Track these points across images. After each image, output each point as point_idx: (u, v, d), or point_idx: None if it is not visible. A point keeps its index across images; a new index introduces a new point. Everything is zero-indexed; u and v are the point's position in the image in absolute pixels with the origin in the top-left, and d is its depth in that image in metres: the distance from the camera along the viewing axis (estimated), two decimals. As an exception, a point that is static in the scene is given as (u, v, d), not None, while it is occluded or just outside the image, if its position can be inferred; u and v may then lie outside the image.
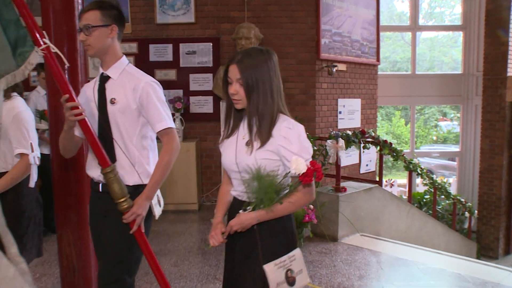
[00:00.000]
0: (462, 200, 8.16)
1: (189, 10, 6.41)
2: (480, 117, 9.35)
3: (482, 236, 9.25)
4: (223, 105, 5.93)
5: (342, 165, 6.80)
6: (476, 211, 9.18)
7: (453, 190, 10.43)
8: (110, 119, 2.28)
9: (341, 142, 4.95)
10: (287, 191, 1.88)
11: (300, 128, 1.90)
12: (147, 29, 6.44)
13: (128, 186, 2.25)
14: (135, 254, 2.34)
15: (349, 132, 5.31)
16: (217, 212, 2.09)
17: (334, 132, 5.04)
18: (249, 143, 1.90)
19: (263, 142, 1.86)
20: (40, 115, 4.78)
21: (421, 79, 10.88)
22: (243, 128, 1.96)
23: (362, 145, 5.50)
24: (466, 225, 8.94)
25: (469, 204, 8.49)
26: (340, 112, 7.01)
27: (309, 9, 6.45)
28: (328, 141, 4.99)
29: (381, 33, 7.91)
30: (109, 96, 2.30)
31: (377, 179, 6.70)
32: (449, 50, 18.52)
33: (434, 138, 19.27)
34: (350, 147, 5.29)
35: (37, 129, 4.09)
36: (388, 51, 17.89)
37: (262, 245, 1.88)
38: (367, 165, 7.55)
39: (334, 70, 6.60)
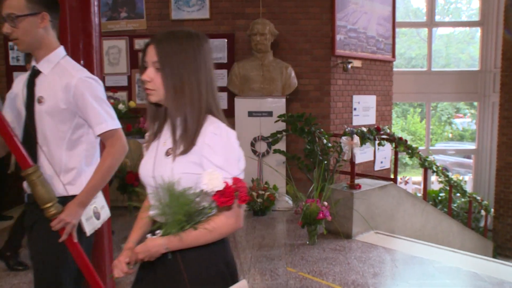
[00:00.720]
0: (478, 198, 8.06)
1: (204, 6, 6.40)
2: (497, 114, 9.22)
3: (498, 234, 9.12)
4: (238, 102, 5.92)
5: (356, 162, 6.76)
6: (492, 209, 9.06)
7: (468, 188, 10.31)
8: (36, 121, 1.97)
9: (356, 139, 4.90)
10: (211, 214, 1.50)
11: (230, 134, 1.51)
12: (162, 25, 6.45)
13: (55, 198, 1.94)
14: (69, 270, 2.00)
15: (364, 129, 5.26)
16: (131, 234, 1.70)
17: (349, 129, 5.00)
18: (169, 152, 1.52)
19: (185, 151, 1.49)
20: None
21: (437, 75, 10.74)
22: (166, 131, 1.58)
23: (377, 142, 5.45)
24: (482, 224, 8.82)
25: (485, 202, 8.38)
26: (355, 109, 6.95)
27: (324, 5, 6.40)
28: (343, 138, 4.95)
29: (397, 30, 7.83)
30: (37, 93, 1.98)
31: (392, 176, 6.64)
32: (466, 47, 18.28)
33: (450, 135, 19.05)
34: (365, 144, 5.24)
35: None
36: (403, 48, 17.71)
37: (189, 278, 1.49)
38: (381, 162, 7.49)
39: (349, 66, 6.55)
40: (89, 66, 3.22)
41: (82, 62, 3.20)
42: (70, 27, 3.20)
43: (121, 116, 4.69)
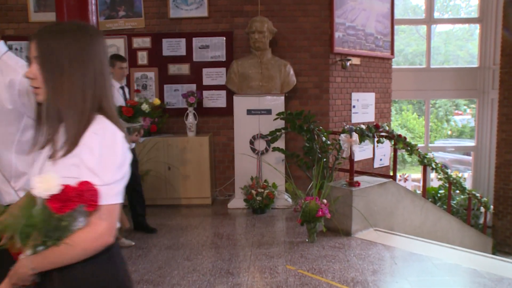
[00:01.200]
0: (477, 195, 8.06)
1: (202, 4, 6.39)
2: (497, 111, 9.22)
3: (497, 231, 9.14)
4: (236, 100, 5.91)
5: (355, 159, 6.76)
6: (491, 206, 9.07)
7: (468, 185, 10.31)
8: None
9: (355, 136, 4.90)
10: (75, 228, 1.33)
11: (116, 136, 1.37)
12: (160, 24, 6.44)
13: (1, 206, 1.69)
14: None
15: (363, 126, 5.26)
16: None
17: (347, 126, 5.00)
18: (52, 156, 1.38)
19: (65, 153, 1.34)
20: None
21: (436, 73, 10.74)
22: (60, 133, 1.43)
23: (376, 139, 5.44)
24: (481, 220, 8.83)
25: (485, 199, 8.38)
26: (354, 106, 6.95)
27: (323, 3, 6.38)
28: (342, 135, 4.94)
29: (395, 27, 7.82)
30: None
31: (391, 173, 6.64)
32: (464, 44, 18.27)
33: (449, 132, 19.06)
34: (364, 141, 5.23)
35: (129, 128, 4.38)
36: (402, 45, 17.70)
37: None
38: (381, 159, 7.49)
39: (348, 64, 6.54)
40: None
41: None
42: (68, 26, 3.21)
43: (146, 115, 4.58)
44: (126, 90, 4.98)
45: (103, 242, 1.35)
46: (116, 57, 4.77)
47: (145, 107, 4.49)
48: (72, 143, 1.33)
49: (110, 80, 1.50)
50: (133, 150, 5.14)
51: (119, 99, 4.65)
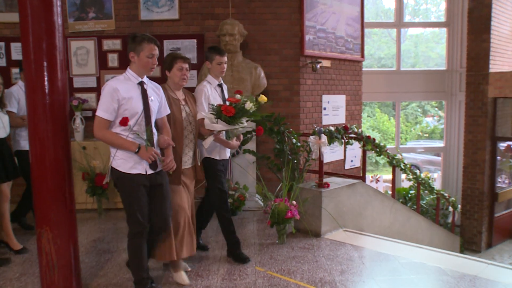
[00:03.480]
0: (446, 194, 8.25)
1: (173, 7, 6.38)
2: (464, 113, 9.46)
3: (465, 230, 9.39)
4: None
5: (326, 161, 6.83)
6: (459, 206, 9.31)
7: (438, 185, 10.55)
8: None
9: (324, 138, 4.95)
10: None
11: None
12: (130, 26, 6.39)
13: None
14: None
15: (332, 128, 5.32)
16: None
17: (317, 128, 5.06)
18: None
19: None
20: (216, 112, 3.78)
21: (406, 75, 10.96)
22: None
23: (345, 141, 5.52)
24: (449, 220, 9.05)
25: (453, 198, 8.59)
26: (324, 108, 7.03)
27: (293, 5, 6.45)
28: (311, 137, 5.00)
29: (368, 30, 7.95)
30: None
31: (361, 174, 6.74)
32: (435, 47, 18.66)
33: (420, 133, 19.43)
34: (333, 143, 5.30)
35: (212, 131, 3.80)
36: (374, 48, 17.99)
37: None
38: (352, 161, 7.59)
39: (318, 66, 6.61)
40: (52, 67, 3.19)
41: (45, 63, 3.17)
42: (32, 28, 3.16)
43: (251, 115, 3.79)
44: (225, 88, 4.26)
45: None
46: (215, 50, 4.05)
47: (249, 105, 3.75)
48: None
49: None
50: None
51: (216, 100, 4.04)
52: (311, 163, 5.57)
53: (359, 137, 5.73)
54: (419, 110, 19.69)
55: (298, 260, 4.20)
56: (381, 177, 10.46)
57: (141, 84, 3.29)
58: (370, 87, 9.96)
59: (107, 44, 6.37)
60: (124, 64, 6.38)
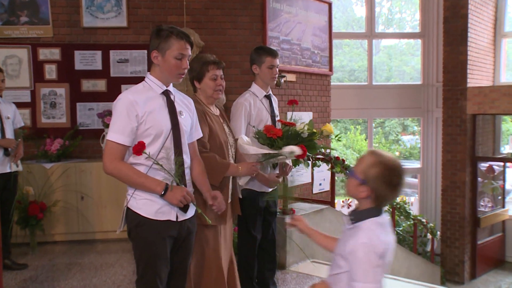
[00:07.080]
0: (423, 220, 8.42)
1: (120, 13, 6.39)
2: (441, 130, 9.70)
3: (446, 259, 9.53)
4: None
5: (292, 185, 6.88)
6: (439, 232, 9.47)
7: (415, 210, 10.73)
8: None
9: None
10: None
11: None
12: (71, 33, 6.35)
13: None
14: None
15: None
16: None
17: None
18: None
19: None
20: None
21: (379, 90, 11.20)
22: None
23: (311, 162, 5.61)
24: (429, 248, 9.20)
25: (431, 224, 8.75)
26: (290, 127, 7.12)
27: (255, 14, 6.57)
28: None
29: (338, 41, 8.16)
30: None
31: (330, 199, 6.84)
32: (410, 59, 19.22)
33: (397, 153, 19.87)
34: (298, 165, 5.37)
35: None
36: (346, 59, 18.40)
37: None
38: (320, 184, 7.69)
39: (282, 80, 6.72)
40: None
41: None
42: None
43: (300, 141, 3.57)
44: (274, 100, 3.84)
45: None
46: (264, 51, 3.68)
47: (300, 126, 3.36)
48: None
49: None
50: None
51: (262, 115, 3.63)
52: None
53: (327, 159, 5.84)
54: (399, 127, 20.16)
55: (260, 296, 4.21)
56: (353, 202, 10.61)
57: (166, 93, 2.69)
58: (340, 103, 10.11)
59: (44, 53, 6.29)
60: (63, 76, 6.31)
